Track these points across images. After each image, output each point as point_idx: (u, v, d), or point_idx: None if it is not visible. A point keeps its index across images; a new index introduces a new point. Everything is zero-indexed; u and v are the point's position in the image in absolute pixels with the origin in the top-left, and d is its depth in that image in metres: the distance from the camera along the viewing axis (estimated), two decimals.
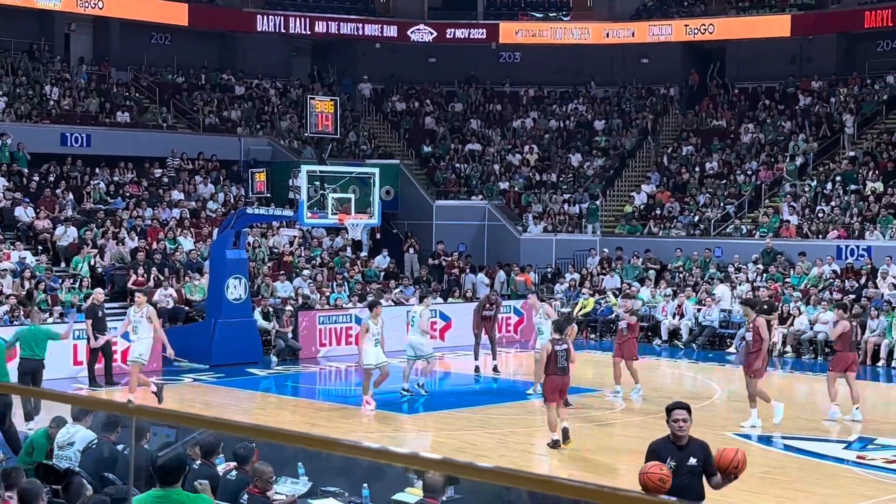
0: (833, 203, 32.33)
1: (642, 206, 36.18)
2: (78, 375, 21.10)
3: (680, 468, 8.60)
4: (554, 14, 43.55)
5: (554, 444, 15.42)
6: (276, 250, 30.36)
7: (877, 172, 32.93)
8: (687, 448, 8.79)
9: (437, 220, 35.75)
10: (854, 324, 18.77)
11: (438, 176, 38.20)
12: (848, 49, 39.46)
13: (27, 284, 24.31)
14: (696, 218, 34.36)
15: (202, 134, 35.99)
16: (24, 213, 28.18)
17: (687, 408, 8.99)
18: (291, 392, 21.92)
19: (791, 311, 26.70)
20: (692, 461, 8.69)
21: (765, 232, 32.13)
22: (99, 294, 21.20)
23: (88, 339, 20.33)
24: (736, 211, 34.10)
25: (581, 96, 42.17)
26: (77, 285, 25.07)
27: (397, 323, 23.71)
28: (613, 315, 27.19)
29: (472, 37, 42.06)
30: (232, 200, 32.80)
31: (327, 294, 27.62)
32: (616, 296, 28.49)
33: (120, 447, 10.37)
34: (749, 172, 35.66)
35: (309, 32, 40.86)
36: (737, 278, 29.44)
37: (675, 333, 28.33)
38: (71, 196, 29.80)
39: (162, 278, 26.28)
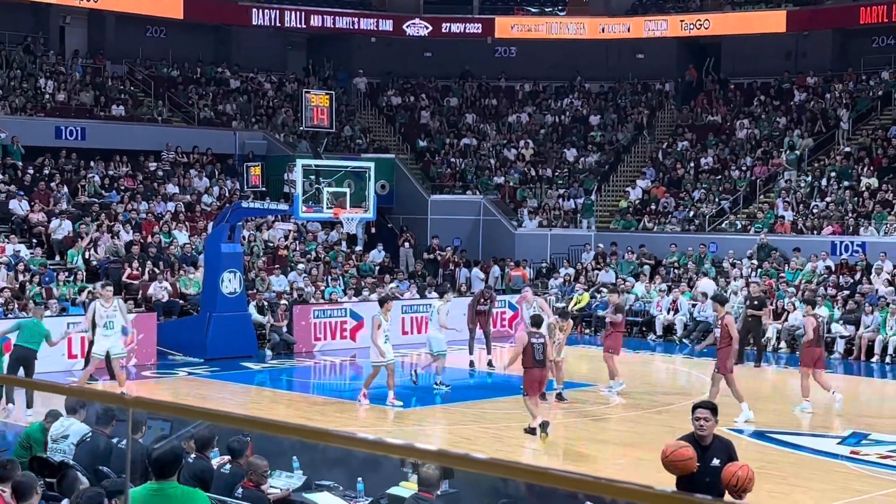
0: (828, 199, 32.37)
1: (637, 202, 36.21)
2: (73, 369, 21.07)
3: (703, 468, 8.38)
4: (549, 9, 43.54)
5: (530, 431, 15.69)
6: (271, 244, 30.35)
7: (871, 168, 32.96)
8: (710, 448, 8.59)
9: (432, 215, 35.76)
10: (820, 319, 18.82)
11: (433, 170, 38.20)
12: (843, 45, 39.49)
13: (21, 278, 24.28)
14: (691, 213, 34.38)
15: (197, 127, 35.94)
16: (18, 207, 28.13)
17: (711, 407, 8.79)
18: (286, 386, 21.92)
19: (786, 307, 26.73)
20: (715, 462, 8.49)
21: (759, 227, 32.16)
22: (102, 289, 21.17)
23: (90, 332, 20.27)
24: (731, 206, 34.14)
25: (576, 91, 42.16)
26: (72, 279, 25.04)
27: (394, 317, 23.62)
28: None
29: (467, 31, 42.03)
30: (227, 194, 32.77)
31: (322, 288, 27.61)
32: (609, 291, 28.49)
33: (114, 440, 10.36)
34: (744, 168, 35.68)
35: (304, 26, 40.81)
36: (724, 273, 29.47)
37: (669, 329, 28.35)
38: (65, 189, 29.76)
39: (157, 272, 26.25)
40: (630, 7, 42.65)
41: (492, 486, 10.80)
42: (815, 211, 31.95)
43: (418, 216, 35.76)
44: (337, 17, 40.95)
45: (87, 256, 26.45)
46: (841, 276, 28.26)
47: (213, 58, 40.42)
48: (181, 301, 25.67)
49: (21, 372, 16.95)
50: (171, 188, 32.07)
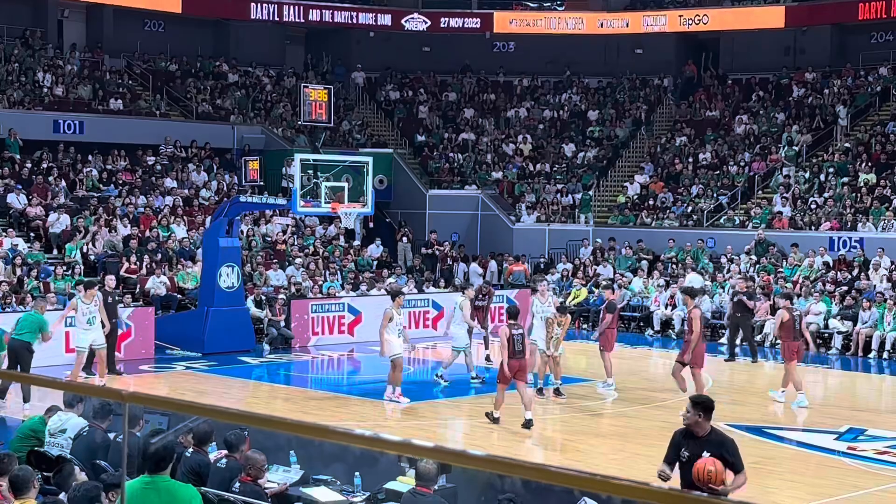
0: (826, 194, 32.38)
1: (635, 197, 36.22)
2: (71, 363, 21.05)
3: (692, 459, 8.71)
4: (548, 4, 43.53)
5: (494, 420, 16.05)
6: (269, 238, 30.35)
7: (869, 164, 32.98)
8: (704, 441, 8.81)
9: (430, 210, 35.76)
10: (796, 313, 18.88)
11: (432, 165, 38.19)
12: (842, 41, 39.49)
13: (19, 271, 24.28)
14: (689, 209, 34.39)
15: (195, 122, 35.93)
16: (16, 200, 28.12)
17: (696, 402, 9.01)
18: (284, 380, 21.93)
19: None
20: (705, 454, 8.72)
21: (757, 223, 32.17)
22: (110, 281, 21.17)
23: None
24: (729, 202, 34.14)
25: (575, 86, 42.15)
26: (70, 272, 25.03)
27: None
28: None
29: (466, 26, 42.01)
30: (225, 188, 32.76)
31: (320, 283, 27.62)
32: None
33: (111, 435, 10.37)
34: (742, 163, 35.69)
35: (303, 20, 40.78)
36: (721, 269, 29.48)
37: (667, 324, 28.37)
38: (63, 183, 29.75)
39: (154, 266, 26.23)
40: (629, 2, 42.65)
41: (489, 481, 10.82)
42: (813, 207, 31.95)
43: (416, 211, 35.76)
44: (335, 12, 40.93)
45: (85, 250, 26.44)
46: (839, 272, 28.28)
47: (212, 52, 40.39)
48: (179, 295, 25.66)
49: (6, 364, 16.97)
50: (170, 182, 32.06)
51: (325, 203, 22.75)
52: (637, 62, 41.81)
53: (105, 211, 28.56)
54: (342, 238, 31.82)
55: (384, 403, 18.14)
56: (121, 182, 31.22)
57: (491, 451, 14.94)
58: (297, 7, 40.34)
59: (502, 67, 43.03)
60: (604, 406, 18.61)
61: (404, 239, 33.51)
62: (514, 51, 43.08)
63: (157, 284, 25.30)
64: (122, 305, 22.06)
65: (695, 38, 41.82)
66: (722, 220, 33.48)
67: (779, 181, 33.89)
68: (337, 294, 26.85)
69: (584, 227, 34.90)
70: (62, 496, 8.19)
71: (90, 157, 31.68)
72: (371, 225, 33.00)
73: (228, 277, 23.51)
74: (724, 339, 26.45)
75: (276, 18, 40.13)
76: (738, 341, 24.63)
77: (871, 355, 24.86)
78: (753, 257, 30.07)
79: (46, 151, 31.21)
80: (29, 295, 22.86)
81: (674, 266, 31.16)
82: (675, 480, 8.93)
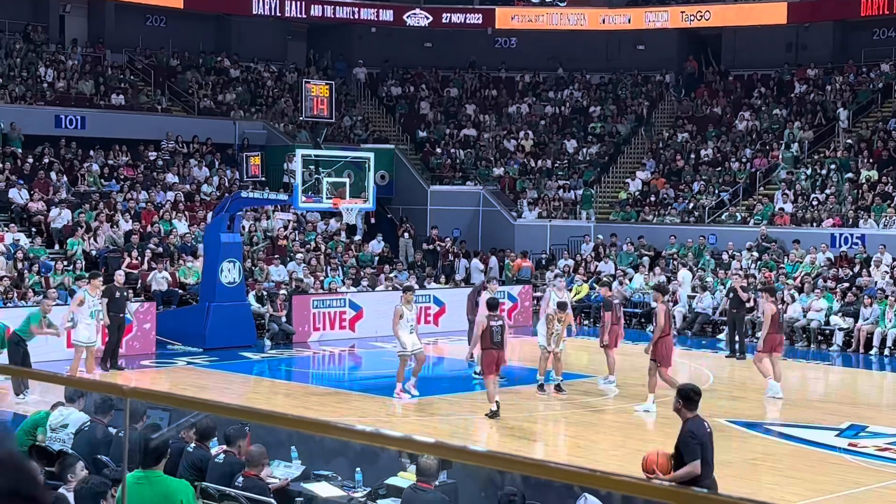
0: (827, 191, 32.36)
1: (637, 193, 36.20)
2: (69, 358, 21.08)
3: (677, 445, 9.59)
4: (550, 0, 43.46)
5: (493, 415, 16.15)
6: (271, 234, 30.35)
7: (871, 161, 32.95)
8: (683, 425, 9.60)
9: (431, 206, 35.75)
10: (780, 307, 18.97)
11: (433, 161, 38.18)
12: (844, 37, 39.45)
13: (20, 266, 24.28)
14: (691, 205, 34.37)
15: (197, 117, 35.92)
16: (18, 195, 28.13)
17: (678, 390, 9.89)
18: (285, 376, 21.93)
19: (785, 299, 26.72)
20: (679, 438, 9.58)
21: (759, 219, 32.16)
22: (119, 276, 21.16)
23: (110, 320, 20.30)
24: (730, 198, 34.12)
25: (577, 82, 42.12)
26: (71, 267, 25.04)
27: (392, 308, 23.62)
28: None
29: (468, 22, 41.97)
30: (226, 184, 32.76)
31: (321, 278, 27.62)
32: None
33: (112, 430, 10.38)
34: (744, 160, 35.67)
35: (304, 16, 40.74)
36: (722, 265, 29.47)
37: None
38: (65, 178, 29.75)
39: (155, 263, 26.23)
40: None
41: (490, 476, 10.82)
42: (814, 203, 31.93)
43: (418, 207, 35.75)
44: (337, 7, 40.89)
45: (86, 246, 26.45)
46: (840, 269, 28.27)
47: (213, 47, 40.37)
48: (180, 290, 25.68)
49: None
50: (171, 178, 32.06)
51: (327, 199, 22.75)
52: (639, 58, 41.77)
53: (106, 206, 28.56)
54: (343, 234, 31.82)
55: (385, 399, 18.13)
56: (122, 177, 31.22)
57: (491, 447, 14.97)
58: (298, 2, 40.29)
59: (504, 63, 42.99)
60: (605, 402, 18.61)
61: (406, 235, 33.51)
62: (516, 46, 43.04)
63: (159, 280, 25.31)
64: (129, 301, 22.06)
65: (696, 35, 41.76)
66: (723, 217, 33.47)
67: (781, 177, 33.87)
68: (338, 290, 26.85)
69: (586, 223, 34.89)
70: (62, 489, 8.19)
71: (91, 153, 31.68)
72: (372, 221, 33.09)
73: (230, 273, 23.52)
74: (722, 336, 26.48)
75: (278, 14, 40.09)
76: (737, 337, 24.61)
77: (872, 352, 24.85)
78: (755, 254, 30.06)
79: (48, 146, 31.21)
80: (31, 290, 22.89)
81: (675, 262, 31.15)
82: None
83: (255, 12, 39.68)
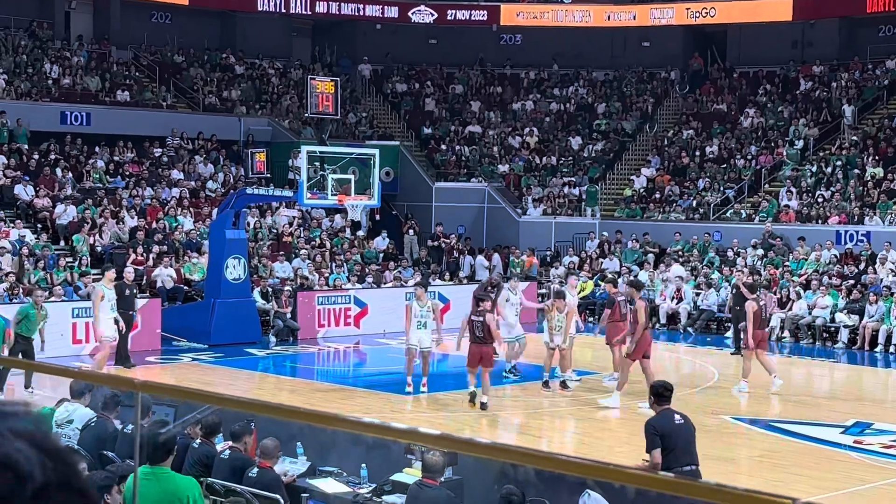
0: (833, 188, 32.33)
1: (642, 190, 36.18)
2: (78, 353, 21.16)
3: None
4: None
5: (482, 407, 16.52)
6: (276, 230, 30.37)
7: (877, 158, 32.91)
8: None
9: (436, 202, 35.74)
10: (762, 303, 19.06)
11: (438, 158, 38.18)
12: (849, 34, 39.38)
13: (26, 262, 24.31)
14: (696, 202, 34.35)
15: (202, 113, 35.96)
16: (23, 192, 28.17)
17: (651, 386, 10.75)
18: (290, 372, 21.96)
19: (791, 296, 26.70)
20: None
21: (764, 216, 32.13)
22: (129, 273, 21.16)
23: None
24: (735, 195, 34.10)
25: (582, 79, 42.09)
26: (76, 263, 25.09)
27: (398, 304, 23.71)
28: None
29: (473, 18, 41.95)
30: (231, 180, 32.80)
31: (326, 275, 27.63)
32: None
33: (118, 425, 10.40)
34: (749, 157, 35.64)
35: (309, 12, 40.75)
36: (728, 262, 29.45)
37: (673, 317, 28.36)
38: (70, 175, 29.79)
39: (159, 259, 26.26)
40: None
41: (496, 472, 10.82)
42: (820, 200, 31.90)
43: (422, 203, 35.74)
44: (342, 4, 40.88)
45: (92, 242, 26.49)
46: (845, 266, 28.24)
47: (219, 44, 40.40)
48: (186, 287, 25.70)
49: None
50: (176, 174, 32.09)
51: (332, 195, 22.76)
52: (644, 55, 41.74)
53: (112, 203, 28.60)
54: (348, 230, 31.83)
55: (390, 396, 18.14)
56: (127, 174, 31.26)
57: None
58: None
59: (509, 60, 42.98)
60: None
61: (410, 231, 33.51)
62: (521, 43, 43.02)
63: (164, 276, 25.33)
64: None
65: (702, 31, 41.73)
66: (728, 214, 33.45)
67: (786, 174, 33.85)
68: (343, 286, 26.86)
69: (591, 220, 34.87)
70: None
71: (97, 149, 31.71)
72: (377, 217, 33.10)
73: (235, 269, 23.54)
74: (729, 333, 26.46)
75: (283, 10, 40.09)
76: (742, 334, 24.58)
77: (877, 349, 24.82)
78: (760, 251, 30.05)
79: (54, 143, 31.26)
80: (37, 286, 22.92)
81: (667, 257, 31.13)
82: None
83: (260, 9, 39.68)
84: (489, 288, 23.26)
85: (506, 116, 40.69)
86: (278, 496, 9.02)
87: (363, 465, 10.85)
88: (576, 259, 31.89)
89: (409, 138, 39.31)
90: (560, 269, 30.99)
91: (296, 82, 39.60)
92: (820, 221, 31.07)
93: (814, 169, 33.70)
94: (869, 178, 32.07)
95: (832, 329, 25.97)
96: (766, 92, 38.98)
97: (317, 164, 22.88)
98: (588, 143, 38.91)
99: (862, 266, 28.03)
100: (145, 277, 25.39)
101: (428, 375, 18.07)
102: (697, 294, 28.27)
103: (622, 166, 38.20)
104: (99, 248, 26.51)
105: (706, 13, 40.06)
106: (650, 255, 31.39)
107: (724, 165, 35.86)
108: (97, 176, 30.37)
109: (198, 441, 9.90)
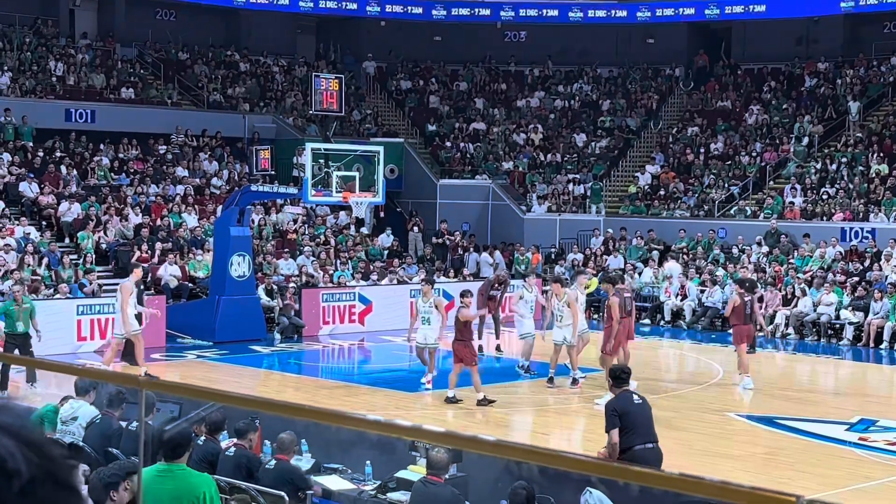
0: (838, 185, 32.28)
1: (646, 187, 36.16)
2: (84, 350, 21.20)
3: None
4: None
5: (490, 402, 16.66)
6: (280, 227, 30.39)
7: (881, 154, 32.86)
8: None
9: (440, 199, 35.73)
10: (748, 298, 19.12)
11: (442, 155, 38.17)
12: (854, 30, 39.30)
13: (30, 260, 24.32)
14: (701, 199, 34.32)
15: (207, 111, 35.98)
16: (28, 189, 28.20)
17: (609, 371, 11.20)
18: (294, 369, 21.97)
19: (796, 293, 26.68)
20: None
21: (769, 213, 32.10)
22: (138, 271, 21.16)
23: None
24: (740, 192, 34.07)
25: (586, 76, 42.07)
26: (81, 261, 25.12)
27: (402, 301, 23.78)
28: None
29: (477, 15, 41.91)
30: (236, 178, 32.81)
31: (331, 272, 27.64)
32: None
33: (124, 423, 10.41)
34: (754, 154, 35.60)
35: (314, 9, 40.74)
36: (732, 259, 29.44)
37: (678, 314, 28.34)
38: (75, 172, 29.82)
39: (163, 256, 26.28)
40: None
41: (501, 470, 10.83)
42: (824, 197, 31.87)
43: (427, 200, 35.73)
44: (346, 1, 40.87)
45: (96, 239, 26.52)
46: (850, 263, 28.21)
47: (223, 41, 40.41)
48: (190, 284, 25.72)
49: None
50: (181, 171, 32.11)
51: (336, 192, 22.76)
52: (648, 52, 41.70)
53: (116, 200, 28.62)
54: (353, 227, 31.84)
55: (395, 393, 18.15)
56: (132, 171, 31.28)
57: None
58: None
59: (513, 57, 42.95)
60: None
61: (415, 228, 33.51)
62: (526, 40, 42.99)
63: (169, 273, 25.34)
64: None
65: (707, 28, 41.68)
66: (733, 211, 33.42)
67: (791, 171, 33.81)
68: (347, 283, 26.87)
69: (595, 217, 34.86)
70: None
71: (102, 146, 31.73)
72: (382, 214, 33.07)
73: (239, 266, 23.56)
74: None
75: (288, 8, 40.09)
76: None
77: (882, 346, 24.79)
78: (765, 248, 30.02)
79: (58, 140, 31.29)
80: (42, 284, 22.96)
81: (685, 256, 31.13)
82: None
83: (264, 6, 39.67)
84: (497, 285, 23.27)
85: (510, 113, 40.67)
86: (283, 493, 9.03)
87: (368, 462, 10.85)
88: (580, 256, 31.88)
89: (413, 135, 39.30)
90: (564, 266, 30.99)
91: (300, 79, 39.61)
92: (825, 218, 31.04)
93: (818, 166, 33.65)
94: (874, 174, 32.02)
95: (837, 326, 25.94)
96: (770, 89, 38.92)
97: (321, 161, 22.89)
98: (593, 140, 38.89)
99: (867, 263, 28.00)
100: (150, 275, 25.41)
101: (433, 372, 18.09)
102: (702, 291, 28.25)
103: (627, 163, 38.17)
104: (104, 246, 26.53)
105: (711, 9, 39.95)
106: (655, 252, 31.38)
107: (729, 162, 35.83)
108: (102, 173, 30.39)
109: (202, 438, 9.90)
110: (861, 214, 30.51)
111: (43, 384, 16.78)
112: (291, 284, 25.66)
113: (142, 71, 37.11)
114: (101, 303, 22.22)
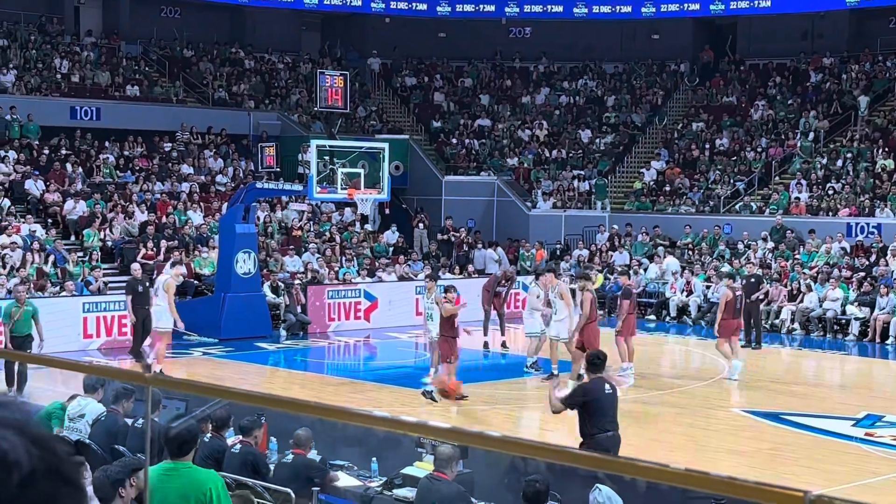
0: (843, 180, 32.24)
1: (652, 183, 36.13)
2: (87, 349, 21.22)
3: None
4: None
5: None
6: (286, 224, 30.40)
7: (887, 150, 32.81)
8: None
9: (446, 196, 35.73)
10: (738, 293, 19.34)
11: (447, 151, 38.16)
12: (859, 25, 39.22)
13: (37, 258, 24.35)
14: (706, 195, 34.29)
15: (211, 108, 36.00)
16: (34, 187, 28.23)
17: (585, 357, 11.76)
18: (300, 366, 21.98)
19: (801, 289, 26.65)
20: None
21: (775, 209, 32.07)
22: (137, 270, 21.20)
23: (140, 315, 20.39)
24: (746, 188, 34.03)
25: (591, 72, 42.02)
26: (87, 258, 25.15)
27: (408, 298, 23.78)
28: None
29: (482, 11, 41.88)
30: (241, 175, 32.82)
31: (336, 269, 27.65)
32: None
33: (129, 420, 10.42)
34: (759, 149, 35.56)
35: (318, 6, 40.74)
36: (737, 254, 29.40)
37: (683, 310, 28.32)
38: (81, 170, 29.85)
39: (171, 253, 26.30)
40: None
41: (507, 466, 10.83)
42: (830, 193, 31.82)
43: (432, 197, 35.74)
44: None
45: (102, 237, 26.56)
46: (856, 258, 28.18)
47: (228, 38, 40.42)
48: (196, 281, 25.74)
49: None
50: (186, 169, 32.13)
51: (342, 189, 22.77)
52: (653, 47, 41.65)
53: (122, 197, 28.65)
54: (358, 224, 31.85)
55: (400, 389, 18.16)
56: (137, 168, 31.30)
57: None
58: None
59: (518, 53, 42.93)
60: (620, 392, 18.54)
61: (420, 225, 33.51)
62: (530, 36, 42.96)
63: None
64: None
65: (712, 23, 41.62)
66: (738, 207, 33.38)
67: (797, 167, 33.77)
68: (353, 280, 26.88)
69: (601, 213, 34.84)
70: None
71: (107, 144, 31.76)
72: (387, 211, 33.07)
73: (245, 263, 23.57)
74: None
75: (292, 4, 40.10)
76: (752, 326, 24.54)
77: (888, 341, 24.77)
78: (771, 243, 30.00)
79: (64, 138, 31.32)
80: (49, 282, 22.98)
81: (690, 252, 31.12)
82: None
83: (269, 3, 39.69)
84: (503, 282, 23.27)
85: (515, 110, 40.65)
86: (290, 490, 9.05)
87: (374, 458, 10.86)
88: (585, 252, 31.86)
89: (418, 132, 39.30)
90: (570, 262, 30.95)
91: (305, 76, 39.61)
92: (830, 214, 31.00)
93: (824, 161, 33.61)
94: (879, 169, 31.97)
95: (843, 322, 25.91)
96: (776, 84, 38.87)
97: (326, 158, 22.89)
98: (598, 136, 38.86)
99: (873, 258, 27.97)
100: (156, 272, 25.41)
101: (435, 368, 18.10)
102: (707, 287, 28.22)
103: (632, 159, 38.14)
104: (109, 243, 26.56)
105: (716, 5, 39.89)
106: (660, 248, 31.35)
107: (734, 158, 35.79)
108: (107, 171, 30.41)
109: (208, 435, 9.91)
110: (867, 210, 30.47)
111: (49, 381, 16.79)
112: (297, 281, 25.67)
113: (147, 68, 37.13)
114: (107, 300, 22.27)
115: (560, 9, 41.56)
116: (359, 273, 27.74)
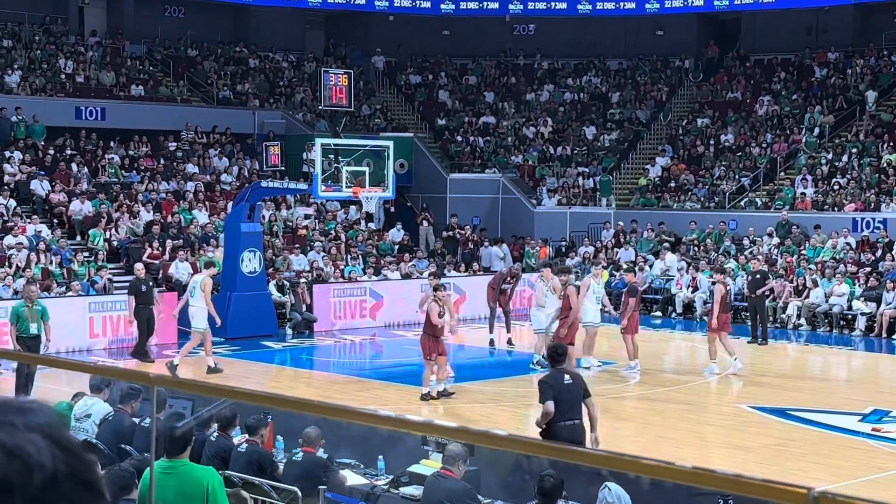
0: (849, 175, 32.19)
1: (657, 179, 36.10)
2: (91, 347, 21.25)
3: None
4: None
5: (449, 394, 17.01)
6: (291, 223, 30.41)
7: (892, 144, 32.74)
8: None
9: (450, 193, 35.73)
10: (729, 287, 19.62)
11: (452, 149, 38.16)
12: (864, 20, 39.14)
13: (42, 258, 24.39)
14: (711, 191, 34.25)
15: (216, 107, 36.01)
16: (39, 187, 28.27)
17: (546, 349, 12.21)
18: (306, 365, 21.99)
19: (807, 284, 26.61)
20: None
21: (780, 204, 32.03)
22: (140, 270, 21.19)
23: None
24: (751, 183, 33.99)
25: (595, 69, 41.99)
26: (93, 258, 25.17)
27: (413, 296, 23.66)
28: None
29: (485, 8, 41.86)
30: (246, 174, 32.84)
31: (342, 267, 27.66)
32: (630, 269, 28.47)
33: (136, 420, 10.43)
34: (764, 145, 35.52)
35: (322, 4, 40.74)
36: (742, 250, 29.37)
37: (689, 306, 28.29)
38: (86, 170, 29.89)
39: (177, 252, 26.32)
40: None
41: (512, 464, 10.82)
42: (836, 188, 31.78)
43: (437, 195, 35.74)
44: None
45: (107, 236, 26.59)
46: (862, 253, 28.14)
47: (232, 37, 40.43)
48: None
49: None
50: (191, 168, 32.15)
51: (347, 188, 22.78)
52: (658, 43, 41.60)
53: (127, 197, 28.68)
54: (363, 222, 31.86)
55: (406, 387, 18.16)
56: (142, 168, 31.33)
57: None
58: None
59: (522, 50, 42.90)
60: (626, 389, 18.58)
61: (425, 223, 33.51)
62: (535, 33, 42.93)
63: (180, 270, 25.38)
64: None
65: (716, 19, 41.56)
66: (744, 202, 33.34)
67: (802, 162, 33.72)
68: (358, 278, 26.88)
69: (606, 209, 34.81)
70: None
71: (112, 144, 31.79)
72: (392, 209, 33.09)
73: (250, 262, 23.59)
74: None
75: (296, 3, 40.11)
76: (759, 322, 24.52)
77: (894, 336, 24.72)
78: (776, 239, 29.96)
79: (69, 138, 31.35)
80: (55, 282, 23.01)
81: (695, 248, 31.09)
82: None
83: (273, 2, 39.70)
84: (509, 279, 23.27)
85: (520, 107, 40.63)
86: (296, 489, 9.06)
87: (380, 456, 10.86)
88: (591, 249, 31.84)
89: (423, 130, 39.29)
90: (575, 260, 30.93)
91: (309, 75, 39.62)
92: (836, 209, 30.96)
93: (830, 156, 33.56)
94: (885, 164, 31.92)
95: (849, 317, 25.88)
96: (780, 79, 38.81)
97: (331, 156, 22.90)
98: (602, 133, 38.84)
99: (878, 253, 27.92)
100: (161, 272, 25.45)
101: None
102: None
103: (637, 155, 38.11)
104: (115, 243, 26.59)
105: (720, 0, 39.85)
106: (666, 245, 31.33)
107: (739, 154, 35.75)
108: (112, 171, 30.44)
109: (215, 434, 9.92)
110: (872, 204, 30.42)
111: (54, 381, 16.81)
112: (302, 280, 25.68)
113: (151, 68, 37.16)
114: (113, 300, 22.29)
115: (564, 6, 41.53)
116: (364, 271, 27.74)
